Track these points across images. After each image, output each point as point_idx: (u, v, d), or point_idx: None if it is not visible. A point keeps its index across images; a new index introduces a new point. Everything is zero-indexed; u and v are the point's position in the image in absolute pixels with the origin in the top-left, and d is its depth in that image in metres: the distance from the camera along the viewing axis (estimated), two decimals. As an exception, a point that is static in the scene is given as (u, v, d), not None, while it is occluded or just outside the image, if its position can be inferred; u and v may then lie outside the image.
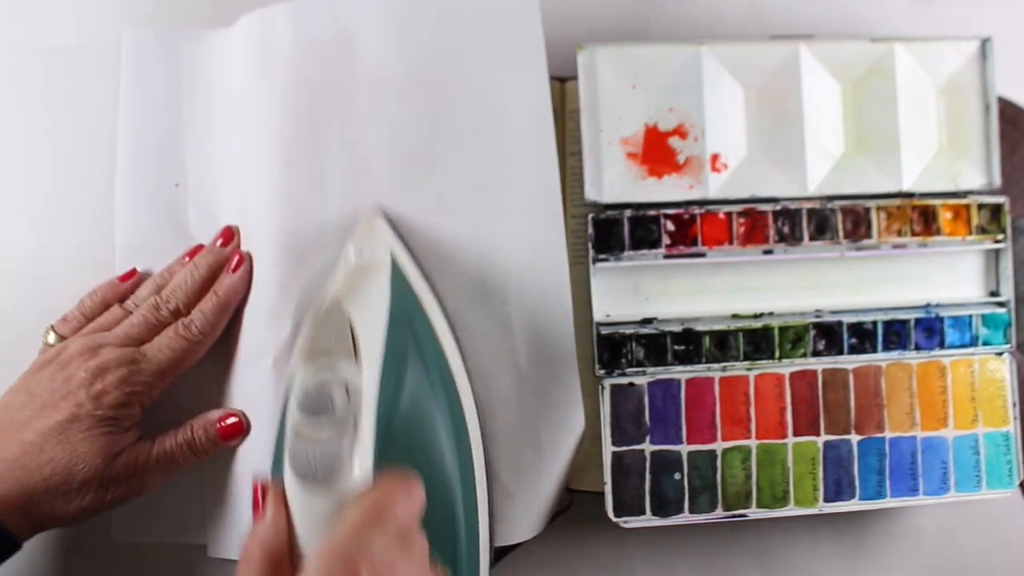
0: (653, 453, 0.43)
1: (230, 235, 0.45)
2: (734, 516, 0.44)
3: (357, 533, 0.32)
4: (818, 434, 0.44)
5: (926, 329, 0.45)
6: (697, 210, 0.44)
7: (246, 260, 0.44)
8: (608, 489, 0.43)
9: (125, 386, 0.40)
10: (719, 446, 0.44)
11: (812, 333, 0.44)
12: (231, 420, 0.44)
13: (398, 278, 0.40)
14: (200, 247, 0.45)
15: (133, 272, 0.46)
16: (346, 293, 0.37)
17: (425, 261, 0.43)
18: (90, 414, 0.39)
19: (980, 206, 0.46)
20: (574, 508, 0.45)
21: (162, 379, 0.42)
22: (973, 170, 0.46)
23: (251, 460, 0.44)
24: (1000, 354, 0.45)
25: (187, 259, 0.45)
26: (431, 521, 0.34)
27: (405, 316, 0.40)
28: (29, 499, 0.39)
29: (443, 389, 0.41)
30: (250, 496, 0.44)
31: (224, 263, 0.45)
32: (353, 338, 0.36)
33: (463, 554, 0.40)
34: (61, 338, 0.44)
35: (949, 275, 0.46)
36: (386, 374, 0.37)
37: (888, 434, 0.45)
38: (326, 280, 0.41)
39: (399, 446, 0.37)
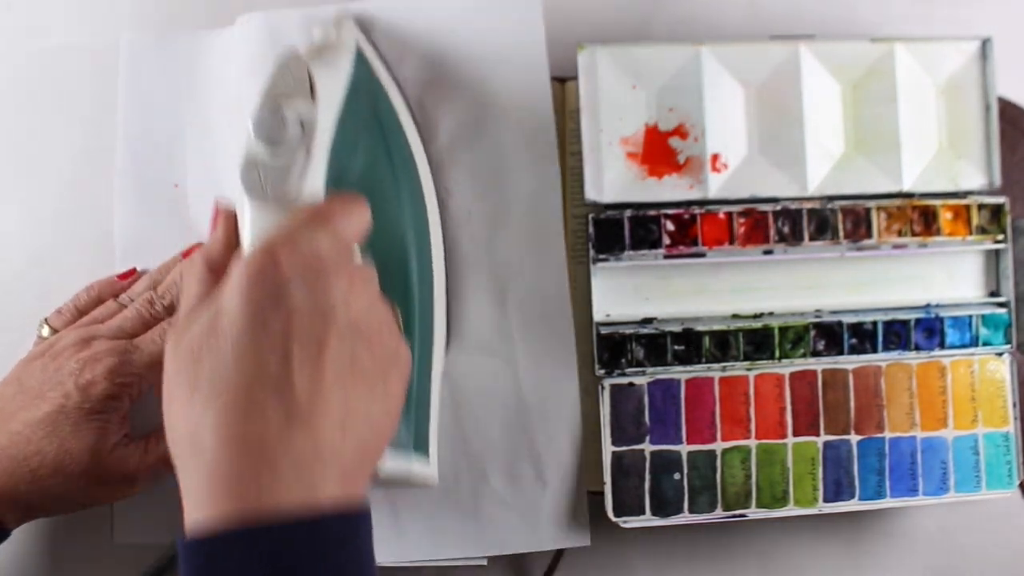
0: (653, 453, 0.43)
1: None
2: (734, 516, 0.44)
3: (287, 228, 0.33)
4: (818, 434, 0.44)
5: (926, 329, 0.45)
6: (697, 210, 0.44)
7: None
8: (608, 489, 0.43)
9: (115, 376, 0.40)
10: (719, 446, 0.44)
11: (812, 333, 0.44)
12: None
13: (361, 61, 0.41)
14: (198, 245, 0.45)
15: (132, 271, 0.46)
16: (308, 55, 0.38)
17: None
18: (77, 407, 0.39)
19: (980, 206, 0.45)
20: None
21: (153, 371, 0.41)
22: (973, 170, 0.46)
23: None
24: (1000, 354, 0.45)
25: (184, 257, 0.45)
26: (383, 280, 0.35)
27: (366, 91, 0.41)
28: (16, 489, 0.39)
29: (405, 173, 0.42)
30: None
31: None
32: (312, 86, 0.37)
33: (415, 322, 0.41)
34: (55, 331, 0.44)
35: (949, 275, 0.46)
36: (342, 128, 0.37)
37: (888, 434, 0.45)
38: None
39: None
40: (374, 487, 0.34)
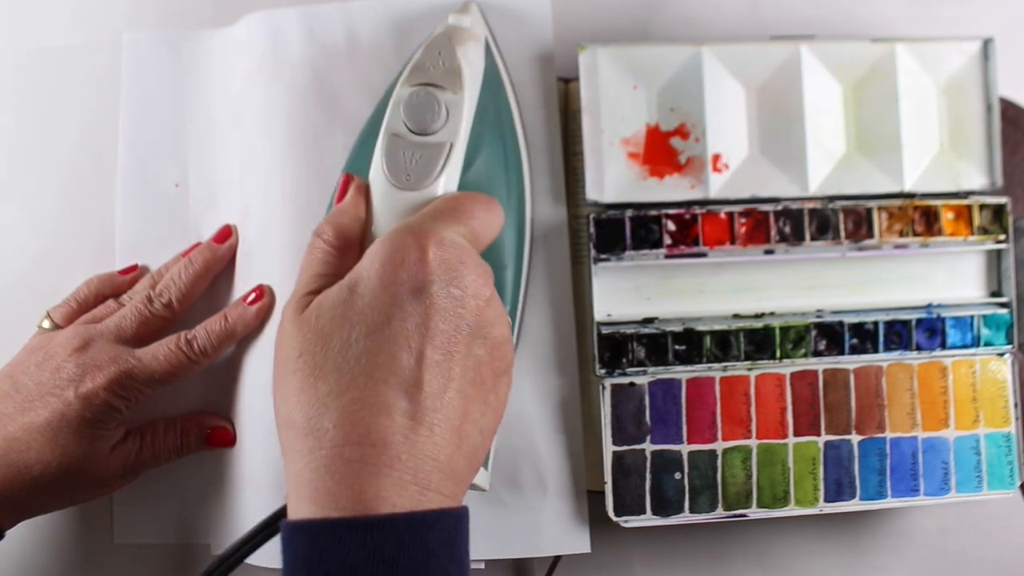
0: (654, 453, 0.43)
1: (227, 233, 0.45)
2: (734, 516, 0.44)
3: (431, 218, 0.32)
4: (819, 434, 0.44)
5: (927, 329, 0.45)
6: (698, 210, 0.44)
7: (266, 296, 0.43)
8: (608, 488, 0.43)
9: (117, 389, 0.40)
10: (719, 446, 0.44)
11: (813, 333, 0.44)
12: (221, 430, 0.44)
13: (490, 56, 0.41)
14: (198, 244, 0.45)
15: (134, 267, 0.46)
16: (456, 39, 0.38)
17: None
18: (78, 415, 0.39)
19: (982, 206, 0.45)
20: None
21: (153, 387, 0.41)
22: (975, 170, 0.46)
23: (253, 457, 0.44)
24: (1001, 355, 0.45)
25: (184, 257, 0.45)
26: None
27: (490, 85, 0.41)
28: (14, 493, 0.39)
29: (515, 174, 0.41)
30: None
31: (219, 260, 0.44)
32: (460, 74, 0.37)
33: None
34: (55, 324, 0.44)
35: (950, 275, 0.46)
36: (475, 124, 0.38)
37: (889, 434, 0.45)
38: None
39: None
40: None
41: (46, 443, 0.39)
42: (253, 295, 0.43)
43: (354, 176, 0.37)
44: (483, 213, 0.34)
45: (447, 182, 0.35)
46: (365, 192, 0.35)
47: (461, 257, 0.31)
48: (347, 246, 0.34)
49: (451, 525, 0.30)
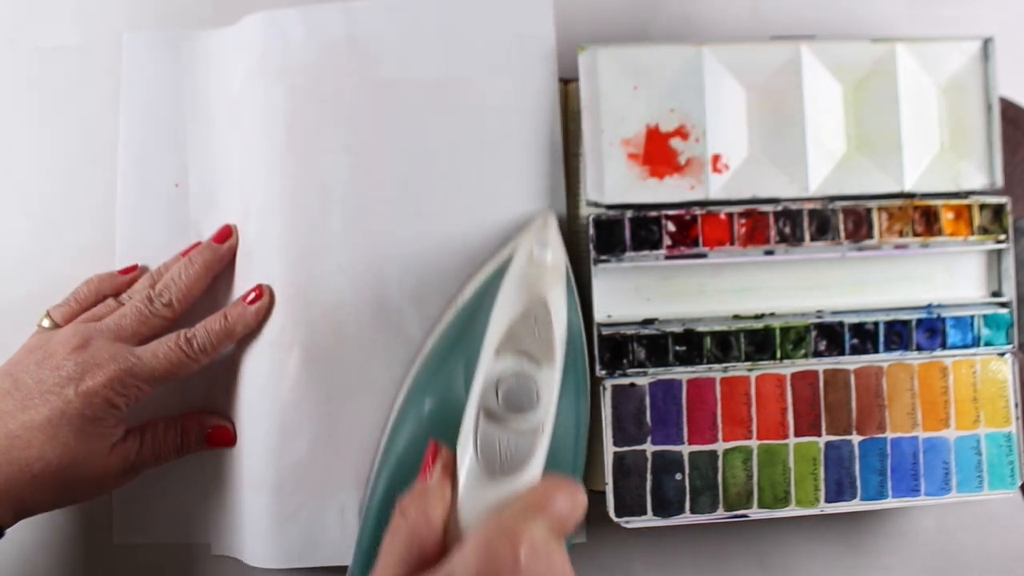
0: (654, 453, 0.43)
1: (227, 233, 0.45)
2: (735, 516, 0.44)
3: (522, 516, 0.33)
4: (819, 434, 0.44)
5: (928, 330, 0.45)
6: (698, 211, 0.44)
7: (265, 296, 0.43)
8: (609, 489, 0.43)
9: (115, 385, 0.40)
10: (720, 446, 0.44)
11: (813, 334, 0.44)
12: (222, 429, 0.44)
13: (570, 286, 0.41)
14: (198, 244, 0.45)
15: (134, 267, 0.46)
16: (544, 290, 0.37)
17: None
18: (79, 413, 0.39)
19: (982, 206, 0.45)
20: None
21: (152, 385, 0.41)
22: (975, 170, 0.46)
23: (253, 457, 0.44)
24: (1002, 354, 0.45)
25: (183, 257, 0.45)
26: None
27: (571, 328, 0.40)
28: (14, 491, 0.39)
29: (580, 413, 0.41)
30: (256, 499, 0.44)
31: (219, 260, 0.45)
32: (552, 342, 0.36)
33: None
34: (55, 323, 0.44)
35: (951, 275, 0.46)
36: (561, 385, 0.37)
37: (889, 435, 0.45)
38: (495, 267, 0.40)
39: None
40: None
41: (47, 440, 0.39)
42: (253, 294, 0.43)
43: (442, 449, 0.36)
44: (569, 503, 0.34)
45: (537, 466, 0.35)
46: (452, 470, 0.36)
47: (551, 561, 0.32)
48: (431, 529, 0.34)
49: None
